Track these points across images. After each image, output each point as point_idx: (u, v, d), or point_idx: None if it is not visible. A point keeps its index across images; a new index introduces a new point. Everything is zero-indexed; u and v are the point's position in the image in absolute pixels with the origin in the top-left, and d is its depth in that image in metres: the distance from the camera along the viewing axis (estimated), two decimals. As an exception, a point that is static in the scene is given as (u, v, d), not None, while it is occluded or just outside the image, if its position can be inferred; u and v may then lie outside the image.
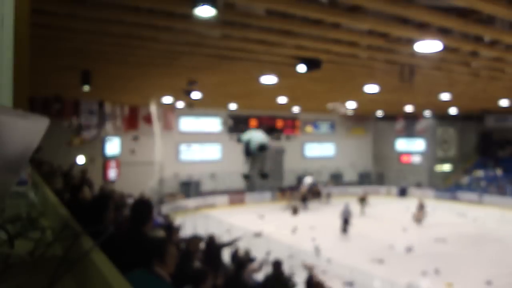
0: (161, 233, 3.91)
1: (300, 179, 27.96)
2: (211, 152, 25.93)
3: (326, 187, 27.14)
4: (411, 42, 7.52)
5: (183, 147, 24.92)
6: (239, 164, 27.99)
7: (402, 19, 6.45)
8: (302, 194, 24.98)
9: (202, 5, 5.04)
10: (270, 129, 8.25)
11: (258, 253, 11.29)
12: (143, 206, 3.38)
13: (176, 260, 2.86)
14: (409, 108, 23.07)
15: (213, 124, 25.91)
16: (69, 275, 1.45)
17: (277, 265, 6.58)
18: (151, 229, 3.35)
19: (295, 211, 22.64)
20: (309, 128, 29.57)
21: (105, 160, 20.74)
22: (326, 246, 15.18)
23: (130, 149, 22.31)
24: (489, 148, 29.69)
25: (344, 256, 13.91)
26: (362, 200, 22.77)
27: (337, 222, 20.02)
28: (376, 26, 6.74)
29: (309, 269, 8.90)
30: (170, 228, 7.18)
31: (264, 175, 7.84)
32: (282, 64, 9.75)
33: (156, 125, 22.27)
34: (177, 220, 13.93)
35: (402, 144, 30.72)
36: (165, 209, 20.20)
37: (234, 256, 6.47)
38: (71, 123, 18.00)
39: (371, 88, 13.43)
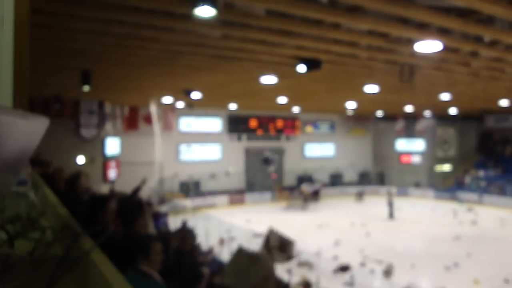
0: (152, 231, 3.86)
1: (300, 179, 28.01)
2: (211, 152, 25.94)
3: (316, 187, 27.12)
4: (411, 42, 7.52)
5: (183, 147, 24.93)
6: (239, 164, 28.01)
7: (402, 19, 6.45)
8: (305, 195, 25.02)
9: (202, 5, 5.04)
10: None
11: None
12: (132, 205, 3.35)
13: (161, 257, 2.82)
14: (409, 108, 23.07)
15: (213, 124, 25.93)
16: (69, 275, 1.45)
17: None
18: (145, 228, 3.31)
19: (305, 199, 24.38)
20: (309, 128, 29.57)
21: (105, 160, 20.74)
22: (326, 246, 15.18)
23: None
24: (489, 148, 29.68)
25: (345, 256, 13.90)
26: None
27: (336, 223, 20.06)
28: (376, 26, 6.74)
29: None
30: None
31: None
32: (282, 64, 9.75)
33: (156, 125, 22.27)
34: (177, 220, 13.94)
35: (402, 144, 30.72)
36: (165, 209, 20.20)
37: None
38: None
39: (371, 88, 13.43)
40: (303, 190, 25.29)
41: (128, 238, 2.97)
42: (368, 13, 6.20)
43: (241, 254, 1.80)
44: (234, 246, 10.34)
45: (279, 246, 3.23)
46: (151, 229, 3.98)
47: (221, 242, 13.91)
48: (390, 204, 21.39)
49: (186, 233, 5.62)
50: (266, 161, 24.25)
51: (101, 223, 2.98)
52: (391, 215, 21.18)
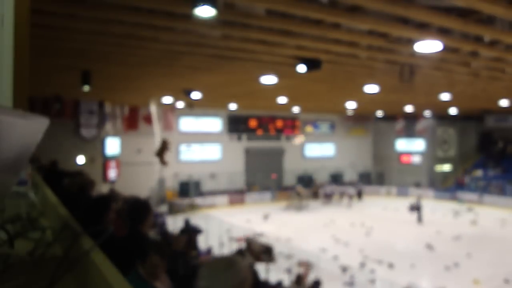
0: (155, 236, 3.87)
1: (300, 179, 28.02)
2: (211, 152, 25.93)
3: (355, 188, 27.14)
4: (411, 42, 7.52)
5: (183, 147, 24.92)
6: (239, 164, 27.98)
7: (402, 19, 6.45)
8: (302, 196, 25.02)
9: (202, 5, 5.04)
10: None
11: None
12: (140, 206, 3.36)
13: (159, 269, 2.79)
14: (409, 108, 23.07)
15: (213, 124, 25.92)
16: (69, 275, 1.45)
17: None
18: (149, 228, 3.34)
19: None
20: (309, 128, 29.57)
21: (105, 160, 20.74)
22: (326, 246, 15.18)
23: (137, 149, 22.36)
24: (489, 148, 29.69)
25: (345, 256, 13.90)
26: None
27: (337, 223, 20.03)
28: (376, 26, 6.74)
29: (304, 268, 8.92)
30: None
31: None
32: (282, 64, 9.74)
33: (156, 125, 22.26)
34: (177, 220, 13.96)
35: (402, 144, 30.72)
36: (164, 209, 20.23)
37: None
38: None
39: (371, 88, 13.43)
40: (299, 190, 25.29)
41: (130, 240, 2.98)
42: (368, 13, 6.20)
43: (217, 258, 1.77)
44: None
45: (261, 250, 3.47)
46: (153, 230, 3.98)
47: (240, 240, 13.76)
48: (418, 208, 20.82)
49: (189, 233, 5.59)
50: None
51: (106, 223, 2.99)
52: (419, 219, 20.63)
